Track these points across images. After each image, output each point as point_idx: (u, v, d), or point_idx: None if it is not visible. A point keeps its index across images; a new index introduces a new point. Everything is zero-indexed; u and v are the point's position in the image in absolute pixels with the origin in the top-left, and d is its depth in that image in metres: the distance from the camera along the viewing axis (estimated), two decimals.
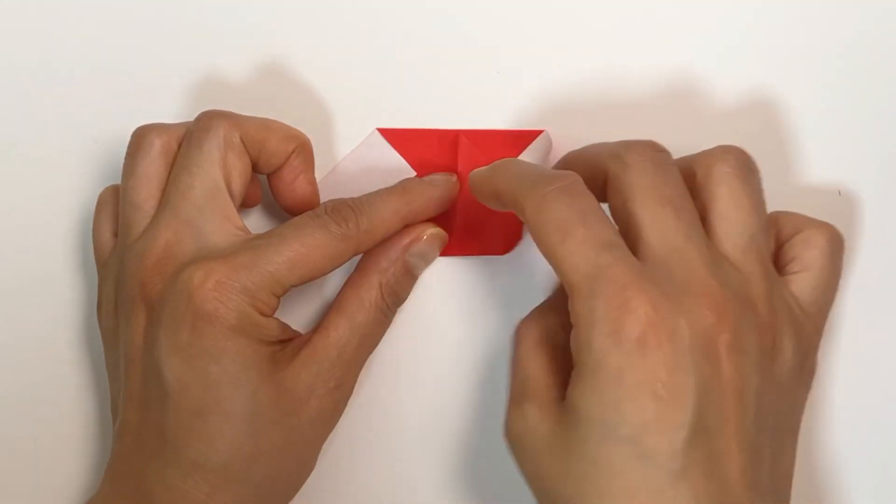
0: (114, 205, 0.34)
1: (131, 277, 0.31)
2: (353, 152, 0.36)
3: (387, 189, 0.33)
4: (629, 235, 0.28)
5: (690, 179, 0.30)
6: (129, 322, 0.31)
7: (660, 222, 0.28)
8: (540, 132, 0.35)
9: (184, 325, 0.29)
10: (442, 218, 0.35)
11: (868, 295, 0.35)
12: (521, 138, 0.35)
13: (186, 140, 0.32)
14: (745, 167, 0.29)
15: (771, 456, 0.28)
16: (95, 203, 0.35)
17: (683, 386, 0.26)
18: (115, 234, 0.34)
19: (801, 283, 0.30)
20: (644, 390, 0.25)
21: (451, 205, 0.35)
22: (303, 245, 0.30)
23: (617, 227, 0.28)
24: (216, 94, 0.36)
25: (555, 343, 0.30)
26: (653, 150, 0.29)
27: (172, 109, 0.36)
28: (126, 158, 0.33)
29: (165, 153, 0.32)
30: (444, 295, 0.36)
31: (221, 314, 0.29)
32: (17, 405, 0.36)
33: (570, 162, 0.32)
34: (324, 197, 0.35)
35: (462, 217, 0.35)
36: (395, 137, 0.35)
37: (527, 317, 0.32)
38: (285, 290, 0.30)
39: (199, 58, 0.36)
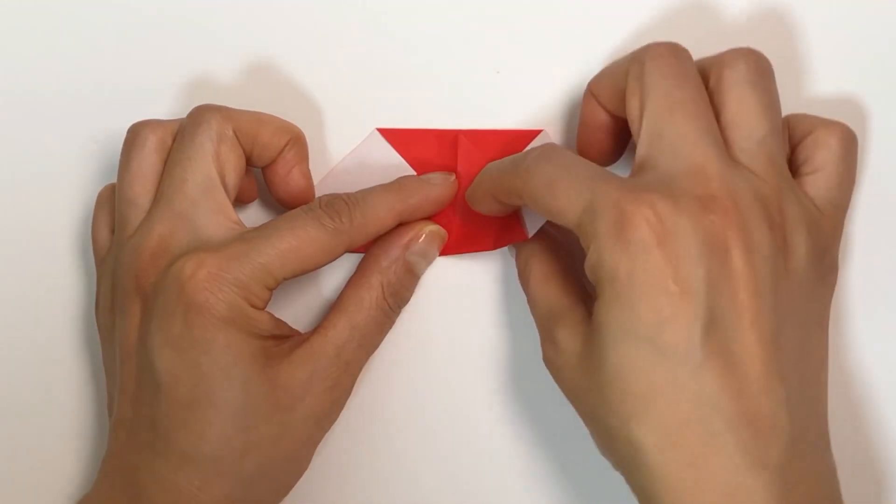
0: (112, 203, 0.34)
1: (127, 271, 0.31)
2: (352, 152, 0.36)
3: (382, 185, 0.33)
4: (642, 144, 0.29)
5: (705, 82, 0.30)
6: (125, 316, 0.31)
7: (669, 127, 0.28)
8: (539, 132, 0.35)
9: (175, 317, 0.29)
10: (441, 218, 0.35)
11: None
12: (521, 138, 0.35)
13: (179, 134, 0.32)
14: (755, 71, 0.29)
15: (796, 349, 0.28)
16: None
17: (692, 278, 0.26)
18: (113, 232, 0.34)
19: (816, 183, 0.30)
20: (655, 288, 0.26)
21: (450, 204, 0.34)
22: (296, 238, 0.30)
23: (603, 168, 0.29)
24: (215, 95, 0.36)
25: (564, 272, 0.32)
26: (671, 54, 0.29)
27: (172, 110, 0.36)
28: (121, 155, 0.33)
29: (160, 148, 0.32)
30: (445, 295, 0.36)
31: (212, 305, 0.29)
32: (16, 404, 0.36)
33: (596, 82, 0.32)
34: None
35: (461, 217, 0.35)
36: (395, 137, 0.35)
37: (524, 266, 0.33)
38: (277, 283, 0.30)
39: (198, 58, 0.36)
